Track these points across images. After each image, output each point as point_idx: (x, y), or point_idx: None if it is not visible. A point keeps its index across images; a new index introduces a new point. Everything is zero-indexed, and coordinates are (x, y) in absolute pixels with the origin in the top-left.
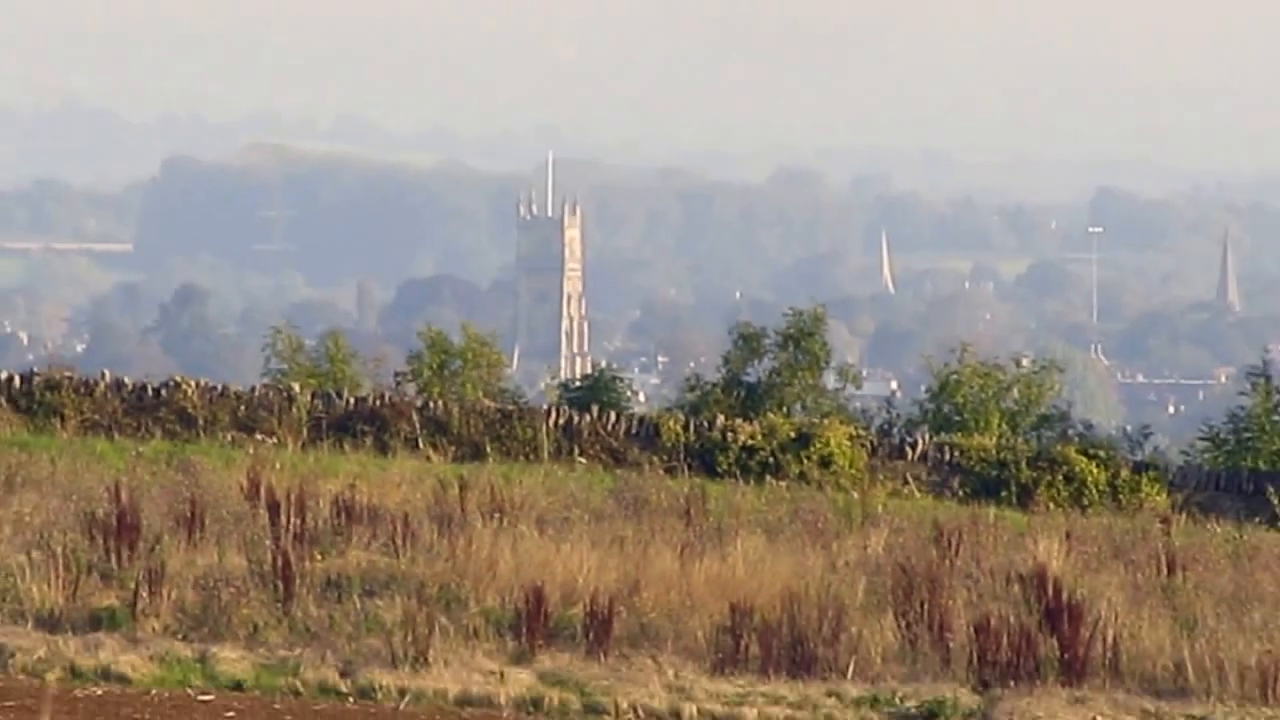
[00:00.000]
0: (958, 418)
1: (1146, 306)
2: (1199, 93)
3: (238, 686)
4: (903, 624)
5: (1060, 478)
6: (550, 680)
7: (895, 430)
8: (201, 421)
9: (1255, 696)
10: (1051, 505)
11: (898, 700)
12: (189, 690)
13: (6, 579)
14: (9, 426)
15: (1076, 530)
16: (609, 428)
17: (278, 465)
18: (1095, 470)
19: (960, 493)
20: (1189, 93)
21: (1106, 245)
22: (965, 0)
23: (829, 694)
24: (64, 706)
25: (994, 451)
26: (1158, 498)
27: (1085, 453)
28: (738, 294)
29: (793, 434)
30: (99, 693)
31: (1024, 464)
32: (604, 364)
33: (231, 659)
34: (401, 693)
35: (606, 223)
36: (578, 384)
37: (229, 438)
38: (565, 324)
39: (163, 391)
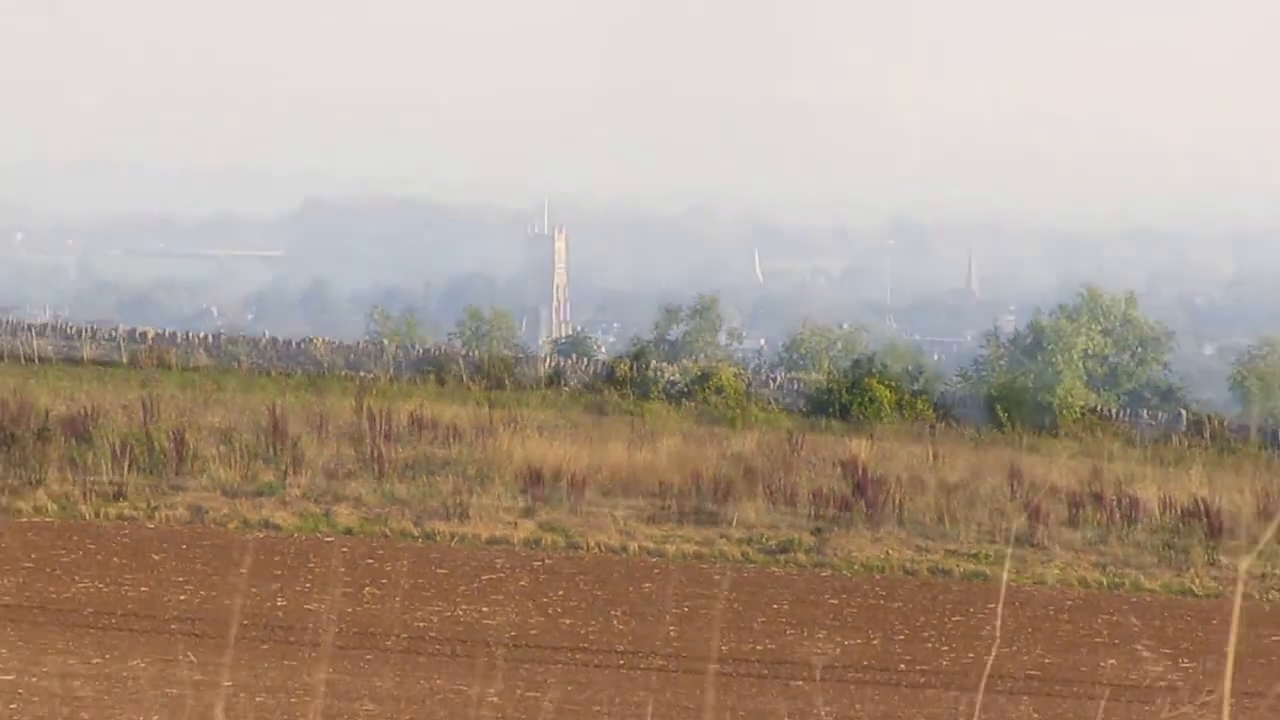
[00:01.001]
0: (802, 362)
1: (920, 292)
2: (955, 154)
3: (349, 532)
4: (767, 492)
5: (867, 399)
6: (546, 527)
7: (763, 370)
8: (326, 364)
9: (992, 533)
10: (861, 418)
11: (764, 540)
12: (319, 534)
13: (204, 464)
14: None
15: (876, 433)
16: (583, 369)
17: (374, 392)
18: (888, 394)
19: (804, 410)
20: (946, 154)
21: (898, 253)
22: (816, 101)
23: (721, 536)
24: (239, 544)
25: (825, 383)
26: (928, 412)
27: (882, 384)
28: (664, 285)
29: (698, 373)
30: (261, 536)
31: (844, 391)
32: (580, 329)
33: (345, 514)
34: (452, 536)
35: (583, 240)
36: (563, 341)
37: (344, 374)
38: (555, 304)
39: (302, 345)
